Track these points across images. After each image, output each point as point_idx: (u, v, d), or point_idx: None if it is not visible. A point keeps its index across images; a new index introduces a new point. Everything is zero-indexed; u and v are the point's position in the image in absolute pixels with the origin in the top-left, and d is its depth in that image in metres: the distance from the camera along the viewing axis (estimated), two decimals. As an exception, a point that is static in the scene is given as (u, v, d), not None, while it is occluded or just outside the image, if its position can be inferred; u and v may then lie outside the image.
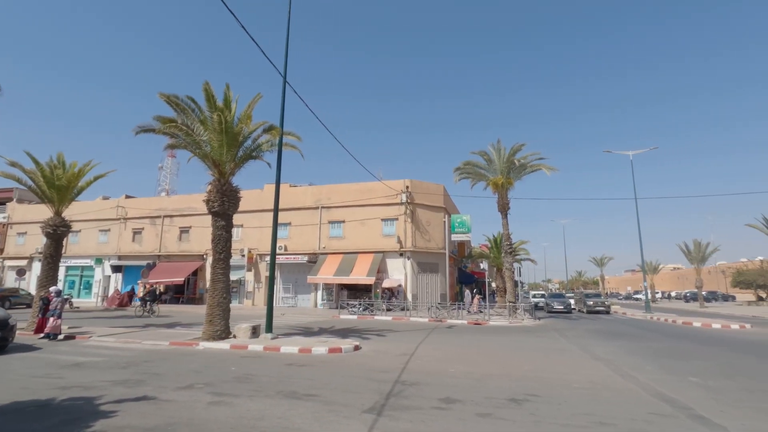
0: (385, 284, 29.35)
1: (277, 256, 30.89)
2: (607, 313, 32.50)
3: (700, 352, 12.38)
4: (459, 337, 15.64)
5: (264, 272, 33.00)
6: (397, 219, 30.54)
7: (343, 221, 31.67)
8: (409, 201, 30.26)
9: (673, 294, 76.78)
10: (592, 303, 33.10)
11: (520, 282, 50.74)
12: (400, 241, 29.99)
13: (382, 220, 30.88)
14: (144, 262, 35.39)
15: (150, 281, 31.76)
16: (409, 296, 29.01)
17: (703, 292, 46.56)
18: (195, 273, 34.75)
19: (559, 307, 32.58)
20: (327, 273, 29.39)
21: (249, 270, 33.30)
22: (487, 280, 33.91)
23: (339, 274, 28.99)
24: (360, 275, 28.27)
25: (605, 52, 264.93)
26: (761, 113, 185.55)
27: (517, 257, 40.32)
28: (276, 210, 14.26)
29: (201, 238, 34.05)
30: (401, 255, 30.08)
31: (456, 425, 5.41)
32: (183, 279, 32.91)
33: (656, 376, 8.73)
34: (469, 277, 43.18)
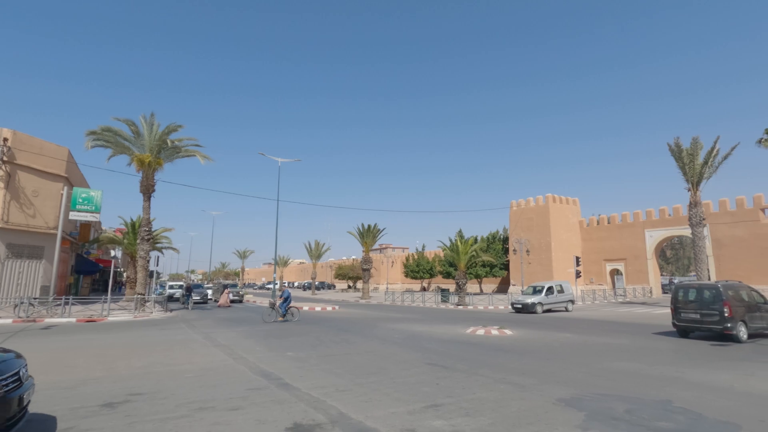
0: (-59, 273, 19.99)
1: None
2: (241, 302, 35.01)
3: (299, 330, 15.21)
4: (59, 340, 12.61)
5: None
6: (-20, 181, 21.60)
7: None
8: (6, 159, 22.08)
9: (296, 284, 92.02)
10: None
11: (157, 272, 46.97)
12: (-20, 213, 21.31)
13: (-50, 179, 21.06)
14: None
15: None
16: (-13, 290, 20.98)
17: (316, 282, 58.42)
18: None
19: (196, 298, 32.27)
20: None
21: None
22: (113, 269, 29.10)
23: None
24: None
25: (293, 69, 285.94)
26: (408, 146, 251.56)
27: (158, 245, 37.03)
28: None
29: None
30: (-20, 232, 21.40)
31: (10, 455, 4.17)
32: None
33: (263, 355, 10.00)
34: (91, 265, 36.03)
